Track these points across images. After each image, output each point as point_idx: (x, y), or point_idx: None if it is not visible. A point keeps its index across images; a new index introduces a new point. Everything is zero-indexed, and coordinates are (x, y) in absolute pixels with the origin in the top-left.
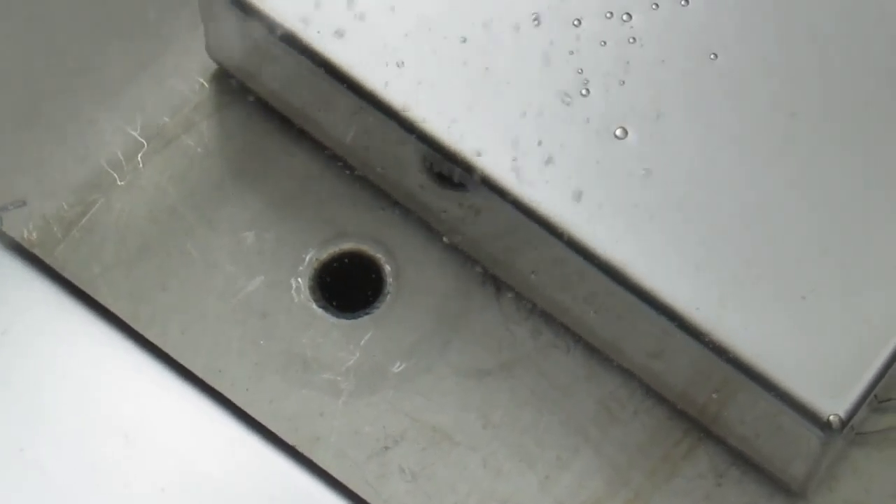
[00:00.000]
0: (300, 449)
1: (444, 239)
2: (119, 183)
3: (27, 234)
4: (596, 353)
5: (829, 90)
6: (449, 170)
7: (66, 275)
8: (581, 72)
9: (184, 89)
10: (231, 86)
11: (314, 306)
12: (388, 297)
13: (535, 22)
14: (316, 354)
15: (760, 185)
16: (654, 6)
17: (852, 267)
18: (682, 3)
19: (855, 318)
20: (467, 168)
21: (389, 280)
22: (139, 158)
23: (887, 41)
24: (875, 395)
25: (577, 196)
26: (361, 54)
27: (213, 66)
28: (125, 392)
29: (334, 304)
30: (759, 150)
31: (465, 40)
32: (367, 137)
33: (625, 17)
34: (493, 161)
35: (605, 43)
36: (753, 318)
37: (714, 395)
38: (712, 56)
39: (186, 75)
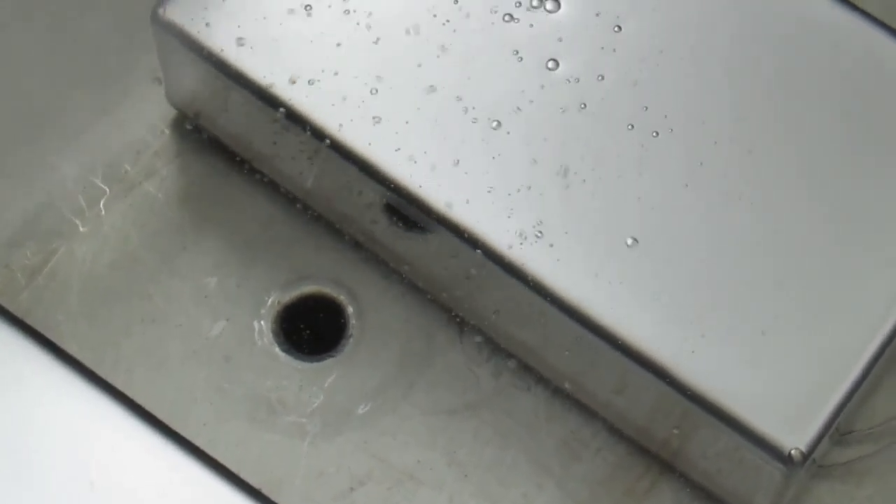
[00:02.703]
0: (266, 492)
1: (406, 280)
2: (82, 230)
3: None
4: (558, 391)
5: (786, 128)
6: (409, 212)
7: (30, 322)
8: (538, 112)
9: (145, 136)
10: (191, 132)
11: (277, 349)
12: (352, 338)
13: (493, 72)
14: (280, 397)
15: (718, 223)
16: (614, 50)
17: (810, 301)
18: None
19: (814, 352)
20: (426, 210)
21: (352, 322)
22: (101, 205)
23: (841, 79)
24: (837, 428)
25: (537, 236)
26: (319, 99)
27: (173, 113)
28: (90, 438)
29: (298, 346)
30: (716, 188)
31: (424, 84)
32: (327, 180)
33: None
34: (452, 203)
35: (568, 81)
36: (713, 353)
37: (675, 431)
38: (665, 99)
39: (147, 122)
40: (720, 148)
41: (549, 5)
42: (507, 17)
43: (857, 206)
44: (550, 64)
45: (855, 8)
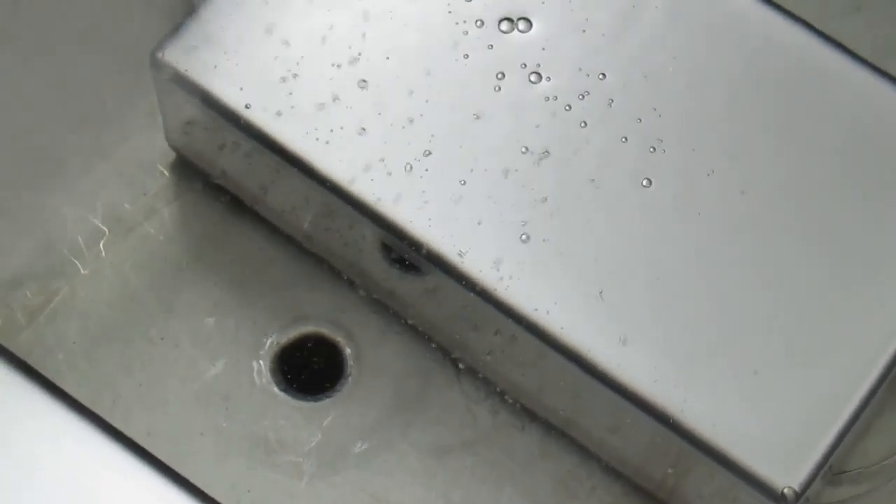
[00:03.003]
0: None
1: (403, 320)
2: (82, 271)
3: None
4: (554, 430)
5: (779, 167)
6: (406, 253)
7: (31, 362)
8: (530, 152)
9: (144, 177)
10: (190, 173)
11: (276, 389)
12: (349, 378)
13: (488, 113)
14: (278, 436)
15: (712, 263)
16: (610, 102)
17: (803, 341)
18: (629, 94)
19: (807, 392)
20: (423, 252)
21: (350, 362)
22: (101, 246)
23: (833, 120)
24: (829, 467)
25: (530, 277)
26: (317, 141)
27: (172, 154)
28: (89, 477)
29: (295, 386)
30: (709, 229)
31: (423, 128)
32: (325, 221)
33: (578, 100)
34: (447, 245)
35: (559, 111)
36: (707, 393)
37: (670, 470)
38: (659, 140)
39: (146, 163)
40: (713, 187)
41: (528, 27)
42: (500, 75)
43: (850, 246)
44: (546, 107)
45: (847, 51)
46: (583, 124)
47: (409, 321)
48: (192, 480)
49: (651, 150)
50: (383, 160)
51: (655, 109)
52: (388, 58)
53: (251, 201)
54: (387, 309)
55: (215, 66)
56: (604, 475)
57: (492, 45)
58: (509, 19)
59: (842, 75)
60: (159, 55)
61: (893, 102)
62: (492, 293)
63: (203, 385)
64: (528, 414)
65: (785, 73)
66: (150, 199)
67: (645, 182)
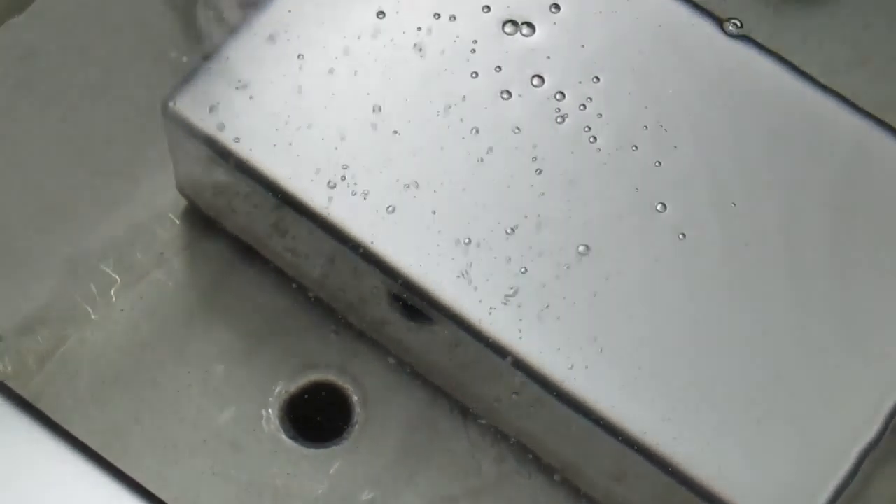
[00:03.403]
0: None
1: (410, 368)
2: (93, 317)
3: (3, 366)
4: (559, 478)
5: (782, 222)
6: (414, 302)
7: (41, 407)
8: (539, 200)
9: (155, 225)
10: (201, 221)
11: (284, 437)
12: (357, 426)
13: (496, 154)
14: (286, 484)
15: (714, 313)
16: (608, 155)
17: (805, 391)
18: (632, 148)
19: (809, 442)
20: (431, 301)
21: (357, 410)
22: (112, 293)
23: (837, 175)
24: None
25: (535, 325)
26: (326, 192)
27: (183, 202)
28: None
29: (304, 434)
30: (712, 279)
31: (432, 178)
32: (334, 270)
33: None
34: (456, 294)
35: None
36: (709, 442)
37: None
38: (661, 193)
39: (157, 212)
40: (715, 239)
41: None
42: (515, 129)
43: (851, 298)
44: (547, 159)
45: (851, 104)
46: (574, 182)
47: (417, 369)
48: None
49: (653, 203)
50: (393, 211)
51: (657, 161)
52: (401, 110)
53: (261, 249)
54: (395, 357)
55: (226, 116)
56: None
57: (486, 107)
58: (539, 76)
59: (846, 128)
60: (171, 105)
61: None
62: (499, 342)
63: (212, 432)
64: (534, 462)
65: (789, 126)
66: (161, 247)
67: (647, 234)
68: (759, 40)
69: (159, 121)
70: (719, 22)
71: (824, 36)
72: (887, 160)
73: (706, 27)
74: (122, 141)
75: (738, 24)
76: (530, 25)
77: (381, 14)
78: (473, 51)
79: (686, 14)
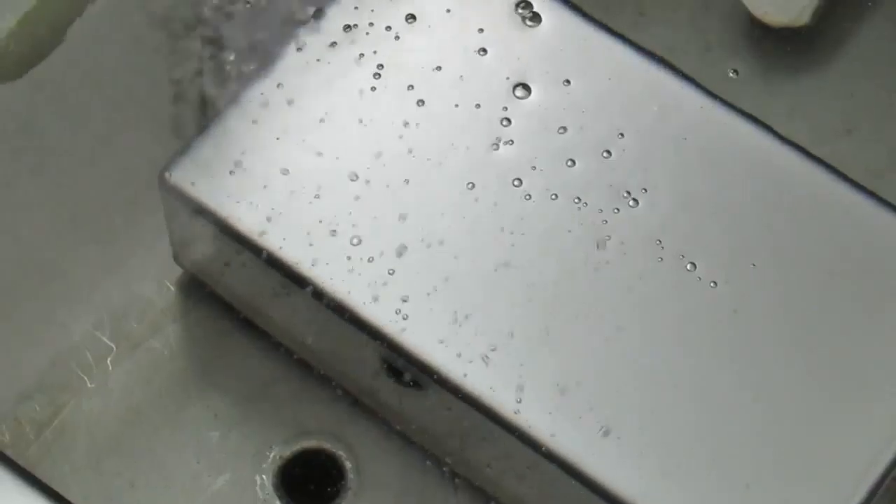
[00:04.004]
0: None
1: (403, 435)
2: (89, 385)
3: (0, 435)
4: None
5: (770, 289)
6: (407, 370)
7: (38, 474)
8: (533, 267)
9: (151, 294)
10: (196, 289)
11: (278, 503)
12: (350, 492)
13: (495, 229)
14: None
15: (705, 377)
16: (604, 221)
17: (795, 455)
18: (631, 203)
19: None
20: (423, 368)
21: (350, 476)
22: (108, 362)
23: (825, 243)
24: None
25: (522, 394)
26: (320, 261)
27: (178, 271)
28: None
29: (298, 500)
30: (700, 341)
31: (425, 247)
32: (327, 339)
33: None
34: (448, 362)
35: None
36: None
37: None
38: (656, 258)
39: (154, 280)
40: (708, 304)
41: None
42: (516, 182)
43: (841, 362)
44: (550, 225)
45: (839, 173)
46: (564, 252)
47: (410, 435)
48: None
49: (647, 266)
50: (387, 284)
51: (652, 227)
52: (396, 183)
53: (256, 317)
54: (387, 424)
55: (223, 187)
56: None
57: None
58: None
59: (834, 197)
60: (167, 175)
61: (885, 224)
62: (494, 410)
63: (207, 498)
64: None
65: (777, 195)
66: (157, 316)
67: (641, 300)
68: (747, 108)
69: (156, 190)
70: (709, 92)
71: (812, 104)
72: (874, 228)
73: (693, 94)
74: (118, 210)
75: (736, 72)
76: (526, 87)
77: (377, 75)
78: (441, 127)
79: (672, 81)
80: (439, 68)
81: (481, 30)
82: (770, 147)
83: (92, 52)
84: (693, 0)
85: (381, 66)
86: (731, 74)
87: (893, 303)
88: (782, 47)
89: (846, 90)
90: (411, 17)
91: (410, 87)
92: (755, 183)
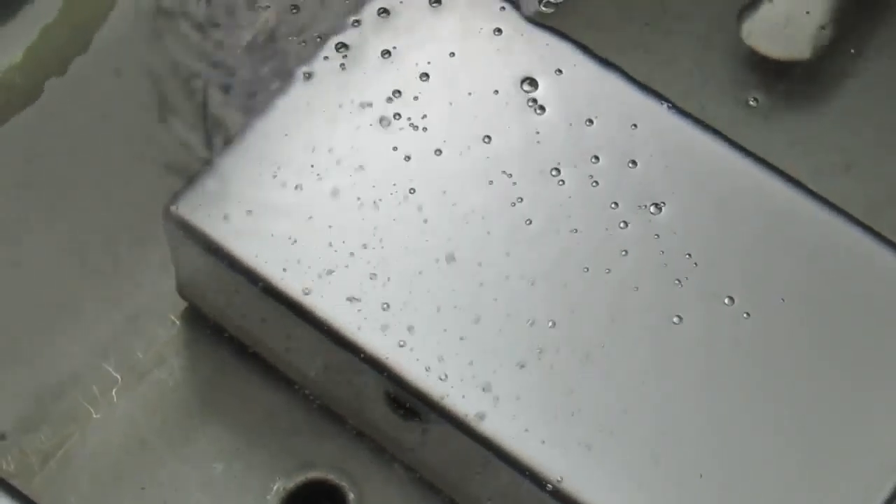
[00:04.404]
0: None
1: (406, 467)
2: (94, 416)
3: (5, 465)
4: None
5: (766, 322)
6: (409, 402)
7: None
8: (539, 306)
9: (156, 326)
10: (201, 322)
11: None
12: None
13: (499, 260)
14: None
15: (712, 412)
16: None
17: (792, 487)
18: (622, 253)
19: None
20: (427, 402)
21: None
22: (113, 393)
23: (824, 278)
24: None
25: (534, 428)
26: (327, 294)
27: (183, 304)
28: None
29: None
30: (708, 378)
31: (429, 279)
32: (331, 371)
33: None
34: (453, 396)
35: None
36: None
37: None
38: (665, 319)
39: (158, 312)
40: (707, 337)
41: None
42: (527, 221)
43: (841, 392)
44: (544, 259)
45: (838, 209)
46: (567, 286)
47: (413, 467)
48: None
49: (648, 304)
50: (390, 314)
51: (657, 256)
52: (397, 215)
53: (260, 349)
54: (391, 455)
55: (228, 221)
56: None
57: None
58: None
59: (832, 234)
60: (172, 209)
61: (884, 260)
62: (493, 441)
63: None
64: None
65: (777, 230)
66: (162, 348)
67: (643, 334)
68: (747, 145)
69: (161, 223)
70: (709, 127)
71: (811, 140)
72: (874, 264)
73: (695, 132)
74: (124, 242)
75: (756, 100)
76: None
77: (384, 121)
78: (448, 167)
79: (673, 119)
80: (451, 104)
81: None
82: (769, 182)
83: (97, 85)
84: (695, 35)
85: (390, 98)
86: (741, 106)
87: (892, 338)
88: (783, 82)
89: (846, 126)
90: (440, 58)
91: (422, 119)
92: (753, 217)
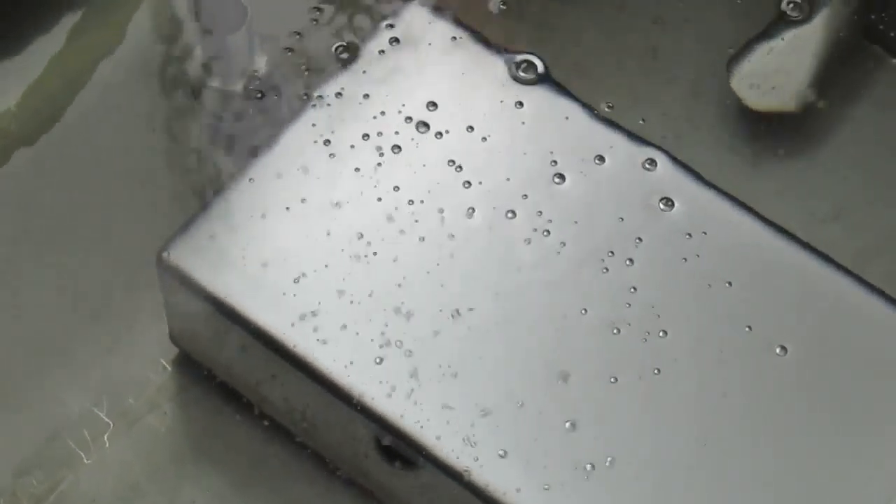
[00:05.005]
0: None
1: None
2: (86, 461)
3: None
4: None
5: (754, 371)
6: (399, 448)
7: None
8: (533, 358)
9: (148, 372)
10: (193, 368)
11: None
12: None
13: (492, 312)
14: None
15: (708, 458)
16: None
17: None
18: (604, 270)
19: None
20: (417, 448)
21: None
22: (105, 438)
23: (813, 327)
24: None
25: (524, 476)
26: (318, 342)
27: (175, 350)
28: None
29: None
30: (701, 425)
31: (420, 327)
32: (322, 418)
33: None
34: (442, 442)
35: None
36: None
37: None
38: (655, 371)
39: (150, 358)
40: (695, 385)
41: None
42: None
43: (826, 447)
44: (539, 307)
45: (827, 258)
46: (562, 341)
47: None
48: None
49: (640, 341)
50: (381, 361)
51: (647, 306)
52: (390, 263)
53: (251, 396)
54: (381, 502)
55: (220, 268)
56: None
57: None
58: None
59: (822, 282)
60: (165, 256)
61: (872, 309)
62: (483, 489)
63: None
64: None
65: (765, 279)
66: (154, 394)
67: (640, 390)
68: (735, 193)
69: (154, 269)
70: (694, 172)
71: (800, 189)
72: (862, 313)
73: (683, 179)
74: (116, 288)
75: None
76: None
77: (379, 165)
78: (442, 211)
79: (663, 170)
80: (452, 162)
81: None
82: (758, 231)
83: (91, 131)
84: (684, 86)
85: (380, 149)
86: (730, 154)
87: (881, 386)
88: (772, 133)
89: (834, 175)
90: (431, 104)
91: (414, 169)
92: (741, 267)
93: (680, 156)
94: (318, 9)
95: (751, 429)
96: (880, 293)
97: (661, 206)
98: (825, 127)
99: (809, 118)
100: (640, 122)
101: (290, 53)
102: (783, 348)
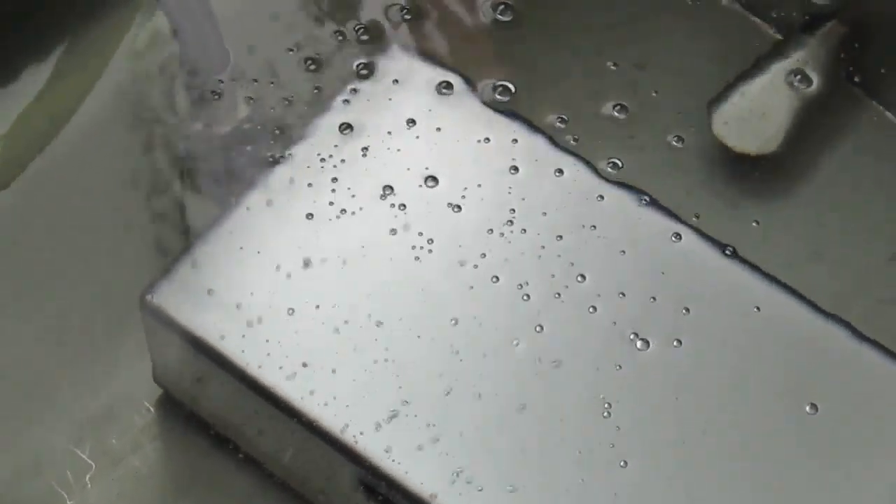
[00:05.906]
0: None
1: None
2: (68, 502)
3: None
4: None
5: (735, 416)
6: (383, 491)
7: None
8: (515, 392)
9: (131, 412)
10: (176, 409)
11: None
12: None
13: (482, 352)
14: None
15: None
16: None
17: None
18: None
19: None
20: (401, 490)
21: None
22: (87, 479)
23: (794, 370)
24: None
25: None
26: (301, 385)
27: (158, 391)
28: None
29: None
30: (687, 471)
31: (404, 371)
32: (306, 460)
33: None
34: (427, 484)
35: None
36: None
37: None
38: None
39: (133, 399)
40: (673, 432)
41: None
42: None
43: (806, 489)
44: (524, 345)
45: (807, 301)
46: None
47: None
48: None
49: (624, 389)
50: (367, 406)
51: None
52: (378, 312)
53: (235, 437)
54: None
55: (204, 310)
56: None
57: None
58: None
59: (801, 323)
60: (149, 298)
61: (851, 352)
62: None
63: None
64: None
65: (744, 322)
66: (137, 435)
67: (624, 428)
68: (717, 235)
69: (137, 310)
70: (670, 212)
71: (779, 231)
72: (842, 357)
73: (660, 220)
74: (100, 329)
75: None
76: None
77: (364, 211)
78: (431, 248)
79: (645, 212)
80: (454, 207)
81: None
82: (736, 274)
83: (74, 171)
84: (664, 128)
85: (352, 193)
86: (709, 194)
87: (866, 426)
88: (752, 174)
89: (813, 217)
90: (412, 122)
91: (396, 209)
92: (718, 310)
93: (658, 196)
94: (310, 59)
95: (734, 468)
96: (860, 335)
97: (634, 242)
98: (804, 169)
99: (789, 160)
100: (619, 164)
101: (272, 96)
102: (763, 392)
